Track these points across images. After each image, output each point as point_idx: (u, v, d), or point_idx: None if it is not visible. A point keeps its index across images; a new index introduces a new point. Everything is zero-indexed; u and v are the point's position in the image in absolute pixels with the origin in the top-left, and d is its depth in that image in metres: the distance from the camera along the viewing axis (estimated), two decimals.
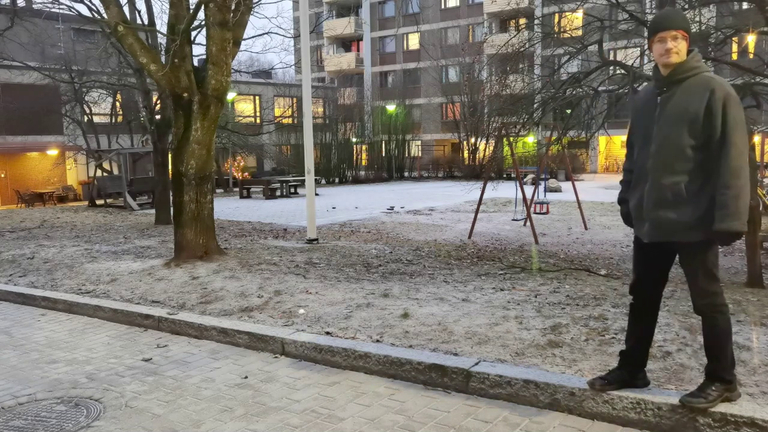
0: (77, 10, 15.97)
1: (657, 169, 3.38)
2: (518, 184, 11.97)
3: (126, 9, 11.64)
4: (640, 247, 3.70)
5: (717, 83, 3.24)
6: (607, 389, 3.58)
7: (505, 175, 28.33)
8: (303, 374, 4.50)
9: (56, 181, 30.69)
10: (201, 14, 8.83)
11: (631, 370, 3.62)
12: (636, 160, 3.57)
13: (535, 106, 9.45)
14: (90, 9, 14.57)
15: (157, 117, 15.98)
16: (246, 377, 4.46)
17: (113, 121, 27.95)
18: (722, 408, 3.31)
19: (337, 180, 35.64)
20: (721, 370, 3.34)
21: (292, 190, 25.39)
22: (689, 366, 3.97)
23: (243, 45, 11.65)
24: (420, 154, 44.52)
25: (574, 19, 10.74)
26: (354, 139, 38.51)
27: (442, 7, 48.77)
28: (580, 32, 9.99)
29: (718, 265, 3.40)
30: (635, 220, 3.68)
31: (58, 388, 4.38)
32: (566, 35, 10.14)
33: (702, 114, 3.22)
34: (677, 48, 3.29)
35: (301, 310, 5.76)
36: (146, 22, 14.02)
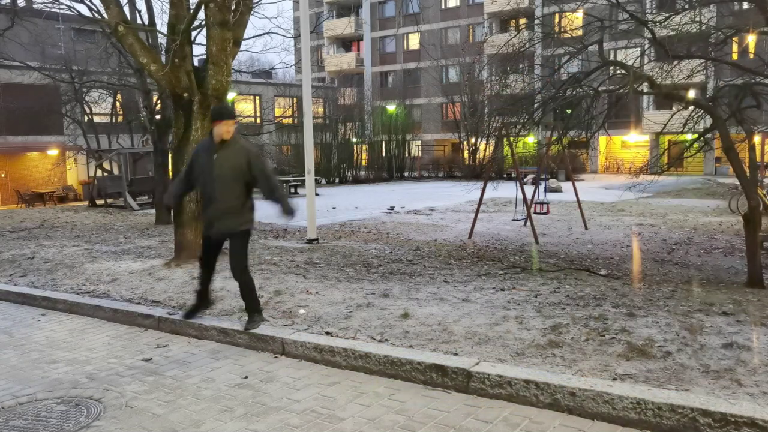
0: (77, 10, 15.98)
1: None
2: (518, 184, 11.97)
3: (126, 9, 11.65)
4: None
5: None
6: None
7: (505, 175, 28.30)
8: (303, 374, 4.50)
9: (56, 181, 30.68)
10: (201, 14, 8.84)
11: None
12: None
13: (535, 106, 9.44)
14: (90, 9, 14.57)
15: (157, 117, 15.99)
16: (246, 377, 4.46)
17: (113, 121, 27.94)
18: (722, 408, 3.31)
19: (337, 180, 35.64)
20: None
21: (293, 190, 25.38)
22: (689, 366, 3.97)
23: (243, 45, 11.65)
24: (420, 154, 44.52)
25: (574, 19, 10.74)
26: (354, 139, 38.50)
27: (443, 7, 48.76)
28: (580, 32, 9.98)
29: None
30: None
31: (59, 388, 4.38)
32: (566, 35, 10.13)
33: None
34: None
35: (302, 310, 5.76)
36: (146, 22, 14.03)
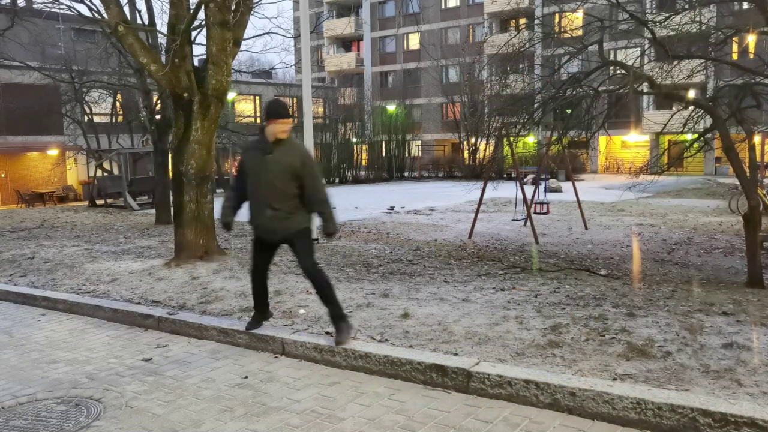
0: (77, 10, 15.99)
1: None
2: (518, 184, 11.96)
3: (126, 9, 11.65)
4: None
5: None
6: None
7: (505, 175, 28.30)
8: (303, 374, 4.50)
9: (56, 181, 30.68)
10: (201, 14, 8.84)
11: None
12: None
13: (535, 106, 9.44)
14: (90, 9, 14.58)
15: (157, 117, 15.99)
16: (246, 377, 4.46)
17: (113, 121, 27.95)
18: (722, 408, 3.31)
19: (337, 180, 35.64)
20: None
21: None
22: (689, 366, 3.97)
23: (243, 45, 11.65)
24: (420, 154, 44.52)
25: (574, 19, 10.73)
26: (354, 139, 38.50)
27: (443, 7, 48.75)
28: (580, 32, 9.98)
29: None
30: None
31: (59, 388, 4.38)
32: (566, 35, 10.13)
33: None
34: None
35: (302, 310, 5.76)
36: (146, 22, 14.03)
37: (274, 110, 4.86)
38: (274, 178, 4.81)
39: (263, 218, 4.90)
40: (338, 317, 4.82)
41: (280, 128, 4.81)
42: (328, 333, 5.00)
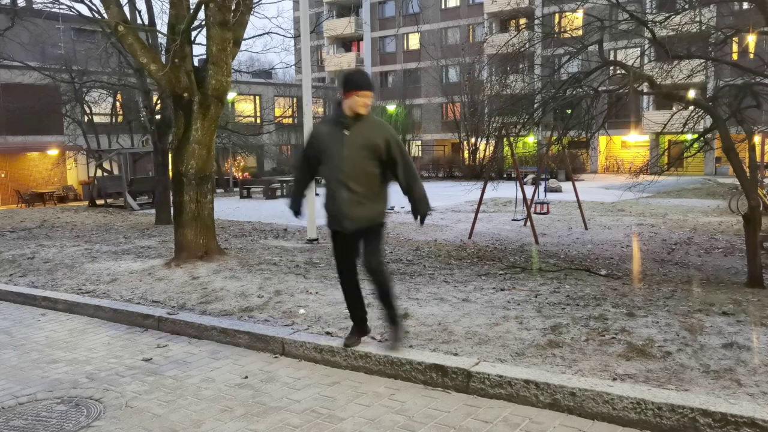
0: (77, 10, 16.01)
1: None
2: (518, 184, 11.97)
3: (126, 9, 11.65)
4: None
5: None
6: None
7: (505, 175, 28.31)
8: (303, 374, 4.50)
9: (56, 181, 30.69)
10: (201, 14, 8.85)
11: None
12: None
13: (535, 106, 9.44)
14: (90, 9, 14.59)
15: (157, 117, 15.99)
16: (246, 377, 4.46)
17: (113, 121, 27.95)
18: (722, 408, 3.31)
19: None
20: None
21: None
22: (689, 366, 3.97)
23: (243, 45, 11.65)
24: (420, 154, 44.54)
25: (574, 19, 10.73)
26: None
27: (442, 7, 48.77)
28: (580, 32, 9.98)
29: None
30: None
31: (59, 388, 4.38)
32: (566, 35, 10.14)
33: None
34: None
35: (302, 310, 5.76)
36: (146, 22, 14.04)
37: (353, 81, 4.27)
38: (352, 157, 4.27)
39: (337, 202, 4.36)
40: (395, 321, 4.51)
41: (361, 101, 4.25)
42: (328, 333, 5.00)
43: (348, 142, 4.27)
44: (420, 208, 4.48)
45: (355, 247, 4.49)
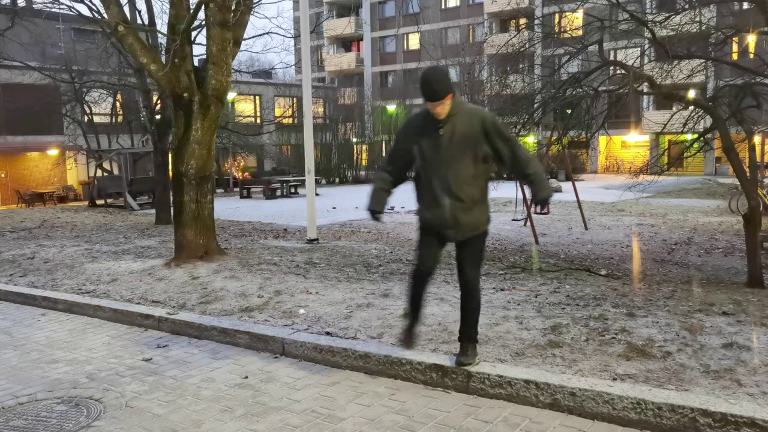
0: (77, 10, 16.01)
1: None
2: (518, 184, 11.96)
3: (126, 9, 11.65)
4: None
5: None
6: None
7: (505, 175, 28.29)
8: (303, 374, 4.50)
9: (56, 181, 30.68)
10: (201, 14, 8.84)
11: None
12: None
13: (535, 106, 9.45)
14: (90, 9, 14.58)
15: (158, 117, 15.98)
16: (246, 377, 4.46)
17: (113, 121, 27.94)
18: (722, 408, 3.31)
19: (337, 180, 35.64)
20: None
21: (293, 190, 25.38)
22: (689, 366, 3.97)
23: (243, 45, 11.65)
24: None
25: (574, 19, 10.74)
26: (354, 139, 38.51)
27: (443, 7, 48.78)
28: (580, 32, 9.99)
29: None
30: None
31: (59, 388, 4.38)
32: (566, 35, 10.14)
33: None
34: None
35: (302, 310, 5.76)
36: (146, 22, 14.03)
37: (421, 91, 3.87)
38: (451, 157, 3.87)
39: (440, 210, 3.94)
40: (473, 341, 4.20)
41: (433, 111, 3.87)
42: (328, 333, 5.00)
43: (444, 140, 3.89)
44: (541, 192, 3.95)
45: (442, 250, 4.17)
